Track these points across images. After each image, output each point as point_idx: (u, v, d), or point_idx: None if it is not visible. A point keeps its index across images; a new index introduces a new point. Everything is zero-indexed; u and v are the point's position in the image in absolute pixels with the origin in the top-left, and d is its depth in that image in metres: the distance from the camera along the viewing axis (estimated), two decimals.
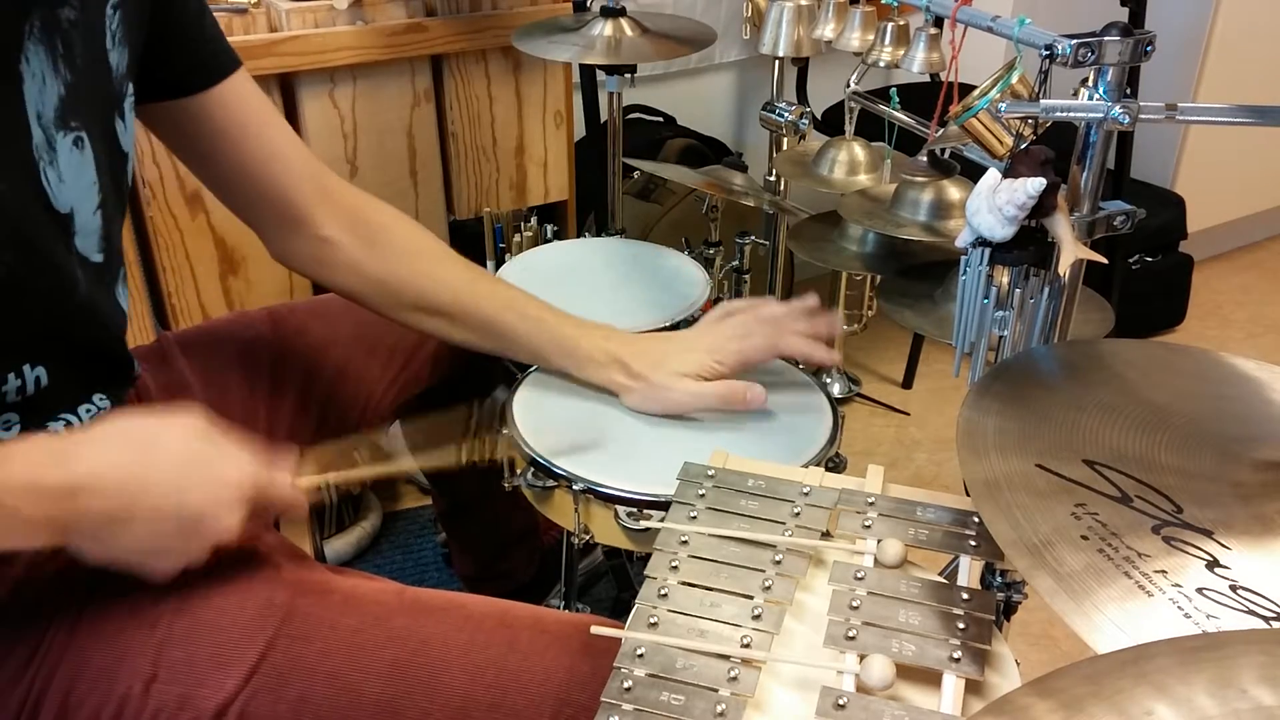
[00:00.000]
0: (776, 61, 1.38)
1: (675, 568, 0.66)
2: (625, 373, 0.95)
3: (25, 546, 0.66)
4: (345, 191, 0.98)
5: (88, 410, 0.81)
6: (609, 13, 1.37)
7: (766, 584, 0.65)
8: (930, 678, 0.58)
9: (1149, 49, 0.74)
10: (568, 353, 0.97)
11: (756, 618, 0.62)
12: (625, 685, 0.58)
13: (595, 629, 0.65)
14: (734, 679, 0.58)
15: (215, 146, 0.90)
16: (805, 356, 0.97)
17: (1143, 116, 0.72)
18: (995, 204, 0.73)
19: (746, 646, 0.60)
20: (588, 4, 1.68)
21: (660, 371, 0.94)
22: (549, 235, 1.42)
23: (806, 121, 1.39)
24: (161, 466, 0.68)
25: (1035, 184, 0.71)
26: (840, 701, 0.56)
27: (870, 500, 0.71)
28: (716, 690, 0.57)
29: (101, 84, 0.77)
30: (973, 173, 0.86)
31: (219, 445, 0.72)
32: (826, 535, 0.70)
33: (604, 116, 1.84)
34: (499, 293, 0.99)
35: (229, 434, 0.74)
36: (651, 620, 0.62)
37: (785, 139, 1.44)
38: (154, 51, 0.84)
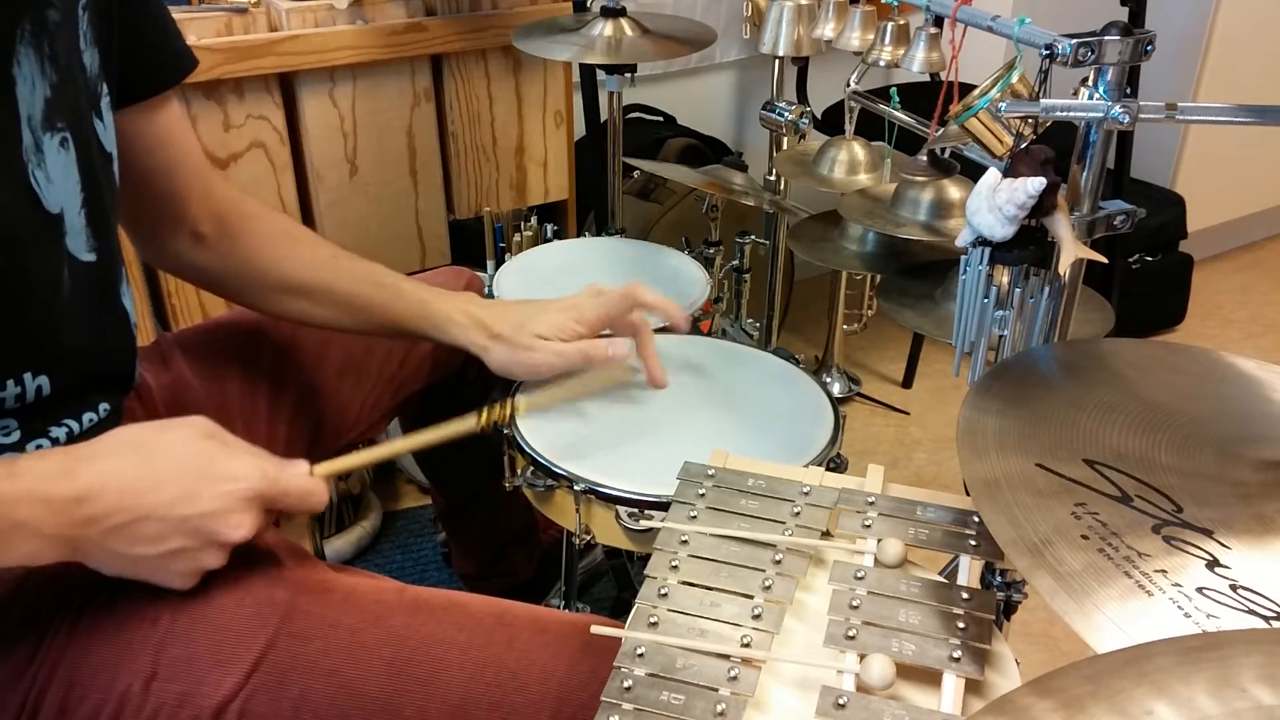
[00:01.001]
0: (776, 61, 1.38)
1: (675, 567, 0.66)
2: (486, 333, 0.95)
3: (36, 561, 0.66)
4: (220, 187, 0.97)
5: (90, 418, 0.81)
6: (609, 12, 1.37)
7: (766, 583, 0.65)
8: (930, 677, 0.59)
9: (1149, 49, 0.74)
10: (425, 316, 0.97)
11: (757, 617, 0.62)
12: (625, 685, 0.58)
13: (595, 628, 0.65)
14: (734, 678, 0.58)
15: (139, 154, 0.89)
16: (654, 304, 0.98)
17: (1143, 116, 0.72)
18: (995, 203, 0.73)
19: (747, 646, 0.60)
20: (588, 4, 1.68)
21: (522, 333, 0.94)
22: (549, 235, 1.42)
23: (806, 121, 1.39)
24: (167, 472, 0.69)
25: (1035, 183, 0.71)
26: (840, 701, 0.56)
27: (870, 500, 0.71)
28: (717, 690, 0.57)
29: (81, 84, 0.77)
30: (973, 172, 0.86)
31: (224, 446, 0.72)
32: (826, 535, 0.70)
33: (604, 116, 1.84)
34: (357, 268, 0.99)
35: (233, 435, 0.74)
36: (652, 620, 0.62)
37: (785, 138, 1.44)
38: (123, 54, 0.83)
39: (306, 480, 0.77)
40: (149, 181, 0.91)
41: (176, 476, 0.69)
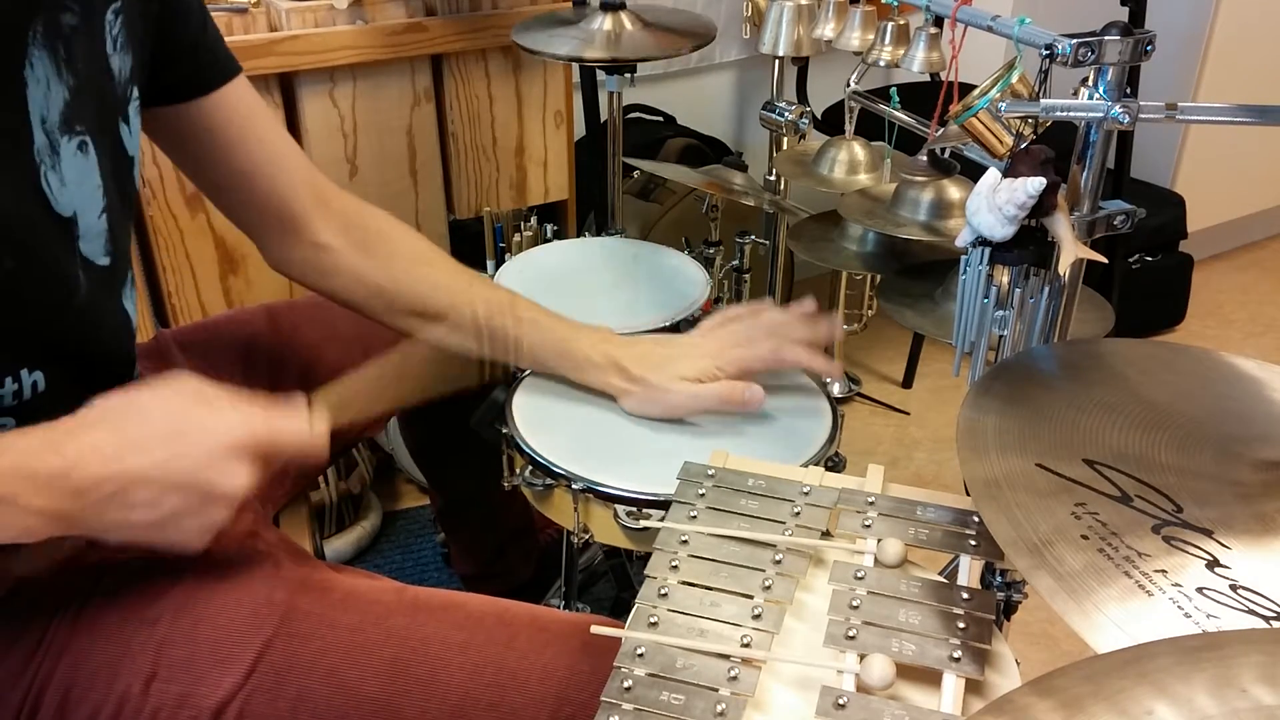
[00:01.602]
0: (776, 61, 1.38)
1: (675, 567, 0.66)
2: (624, 376, 0.94)
3: (31, 538, 0.65)
4: (341, 197, 0.98)
5: None
6: (609, 7, 1.37)
7: (766, 583, 0.65)
8: (930, 677, 0.58)
9: (1149, 48, 0.74)
10: (564, 355, 0.96)
11: (756, 617, 0.62)
12: (625, 684, 0.58)
13: (595, 628, 0.65)
14: (734, 678, 0.58)
15: (213, 152, 0.90)
16: (806, 366, 0.97)
17: (1143, 116, 0.72)
18: (995, 203, 0.73)
19: (746, 646, 0.60)
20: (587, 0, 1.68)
21: (660, 374, 0.94)
22: (549, 235, 1.42)
23: (806, 121, 1.39)
24: (150, 434, 0.67)
25: (1035, 183, 0.71)
26: (840, 701, 0.56)
27: (870, 500, 0.71)
28: (716, 690, 0.57)
29: (105, 89, 0.77)
30: (973, 172, 0.86)
31: (210, 403, 0.71)
32: (826, 535, 0.70)
33: (604, 116, 1.83)
34: (494, 297, 0.98)
35: (220, 389, 0.72)
36: (651, 619, 0.62)
37: (785, 138, 1.44)
38: (156, 56, 0.84)
39: (301, 425, 0.75)
40: (242, 182, 0.91)
41: (160, 437, 0.67)
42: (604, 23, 1.36)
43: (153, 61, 0.83)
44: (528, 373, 1.01)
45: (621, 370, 0.94)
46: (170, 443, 0.67)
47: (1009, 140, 0.82)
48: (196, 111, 0.88)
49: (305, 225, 0.95)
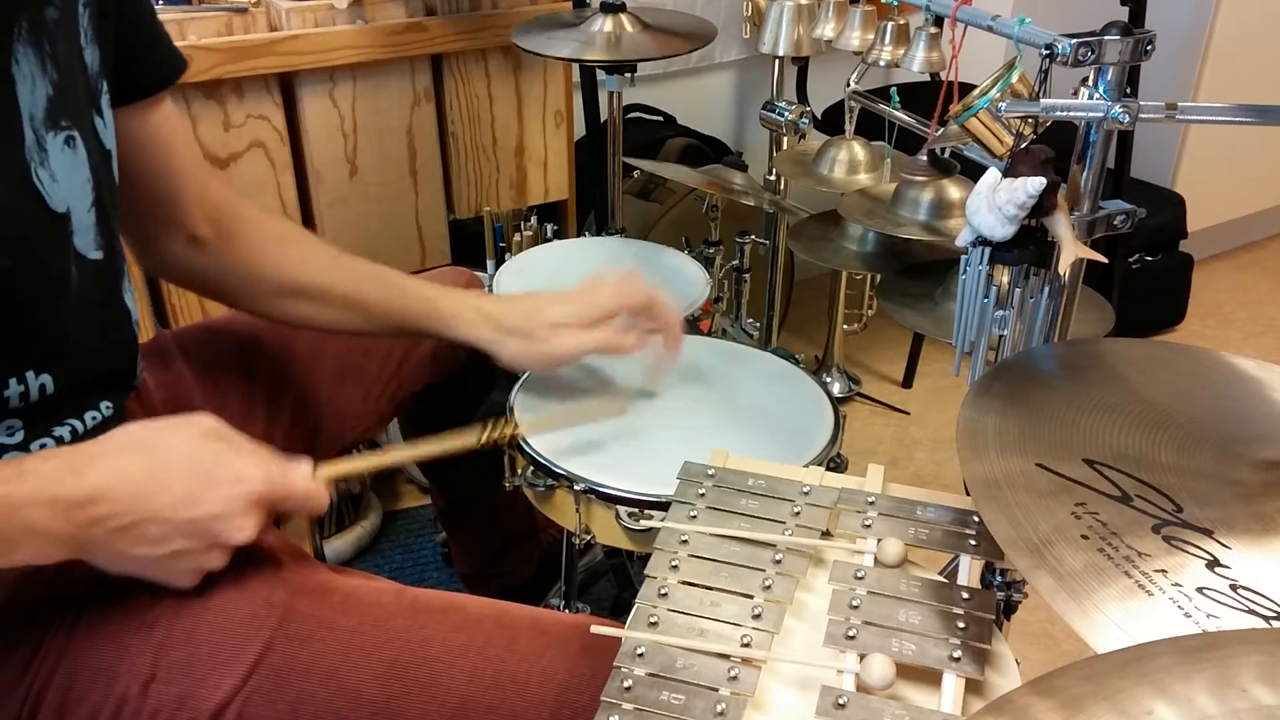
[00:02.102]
0: (776, 61, 1.38)
1: (675, 567, 0.66)
2: (496, 327, 0.93)
3: (41, 561, 0.66)
4: (217, 190, 0.96)
5: (93, 417, 0.80)
6: (609, 8, 1.37)
7: (766, 583, 0.65)
8: (930, 677, 0.58)
9: (1149, 48, 0.74)
10: (433, 314, 0.95)
11: (757, 617, 0.62)
12: (625, 684, 0.58)
13: (595, 629, 0.65)
14: (734, 678, 0.58)
15: (134, 155, 0.88)
16: (662, 327, 0.96)
17: (1143, 116, 0.72)
18: (995, 203, 0.73)
19: (747, 646, 0.60)
20: (587, 1, 1.68)
21: (533, 322, 0.93)
22: (549, 235, 1.42)
23: (806, 121, 1.39)
24: (172, 472, 0.68)
25: (1035, 183, 0.71)
26: (840, 701, 0.56)
27: (870, 499, 0.71)
28: (717, 690, 0.57)
29: (80, 82, 0.77)
30: (973, 172, 0.86)
31: (229, 446, 0.72)
32: (826, 534, 0.70)
33: (604, 116, 1.83)
34: (359, 268, 0.98)
35: (238, 435, 0.73)
36: (652, 619, 0.62)
37: (785, 138, 1.44)
38: (120, 53, 0.83)
39: (309, 482, 0.76)
40: (144, 183, 0.90)
41: (183, 478, 0.69)
42: (604, 25, 1.37)
43: (116, 58, 0.83)
44: (529, 373, 1.01)
45: (493, 322, 0.93)
46: (192, 485, 0.69)
47: (1009, 140, 0.82)
48: (140, 113, 0.88)
49: (183, 222, 0.94)
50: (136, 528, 0.67)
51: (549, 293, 0.98)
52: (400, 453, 0.93)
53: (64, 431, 0.78)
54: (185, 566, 0.71)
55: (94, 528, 0.66)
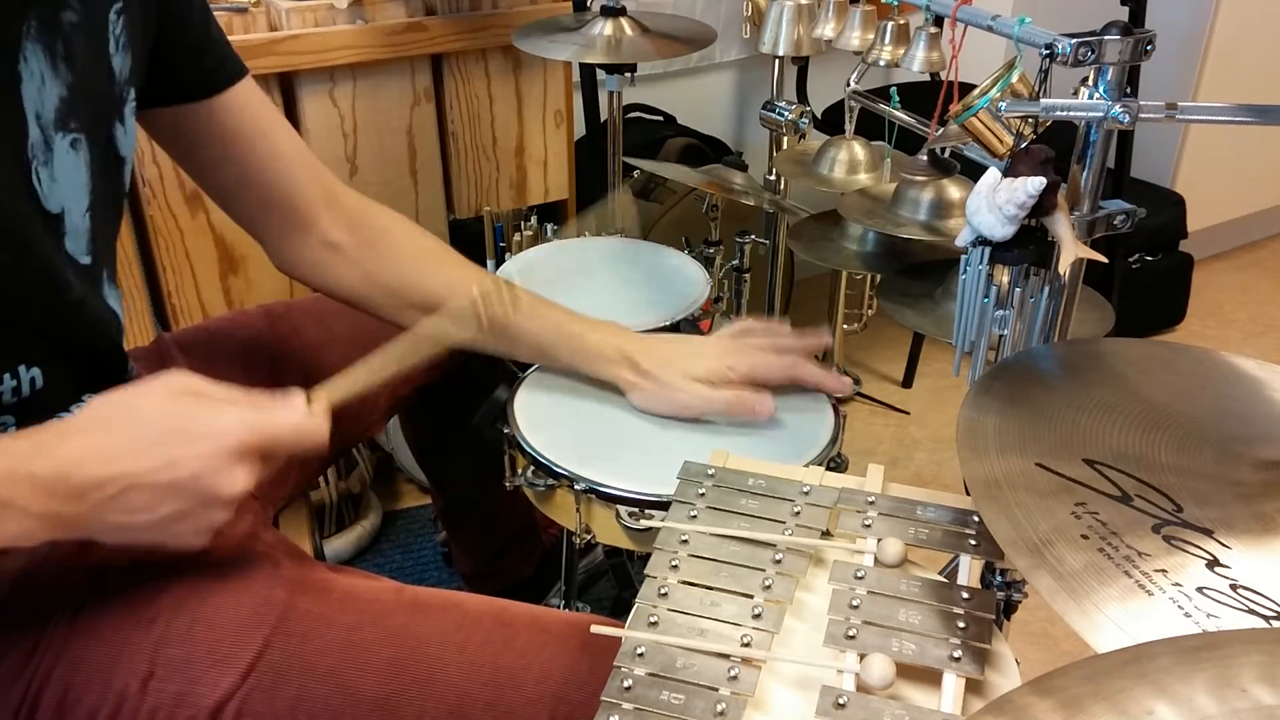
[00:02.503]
0: (776, 60, 1.38)
1: (675, 567, 0.66)
2: (634, 370, 0.94)
3: (29, 541, 0.65)
4: (348, 195, 0.98)
5: None
6: (609, 12, 1.37)
7: (766, 583, 0.65)
8: (930, 677, 0.58)
9: (1149, 48, 0.74)
10: (575, 349, 0.96)
11: (757, 617, 0.62)
12: (625, 684, 0.58)
13: (595, 628, 0.65)
14: (734, 678, 0.58)
15: (221, 153, 0.90)
16: (819, 384, 0.97)
17: (1143, 115, 0.72)
18: (995, 203, 0.73)
19: (747, 646, 0.60)
20: (588, 3, 1.68)
21: (670, 370, 0.93)
22: (549, 234, 1.42)
23: (806, 120, 1.39)
24: (145, 437, 0.66)
25: (1035, 183, 0.71)
26: (840, 701, 0.56)
27: (870, 499, 0.71)
28: (716, 689, 0.57)
29: (103, 87, 0.77)
30: (973, 172, 0.86)
31: (202, 401, 0.69)
32: (826, 534, 0.70)
33: (604, 116, 1.83)
34: (496, 288, 0.98)
35: (216, 386, 0.70)
36: (652, 619, 0.62)
37: (785, 138, 1.44)
38: (159, 57, 0.84)
39: (299, 417, 0.73)
40: (251, 174, 0.91)
41: (155, 441, 0.66)
42: (604, 28, 1.37)
43: (152, 63, 0.83)
44: (529, 372, 1.01)
45: (632, 364, 0.94)
46: (167, 446, 0.66)
47: (1009, 140, 0.82)
48: (205, 113, 0.88)
49: (314, 224, 0.95)
50: (121, 497, 0.65)
51: (693, 340, 0.99)
52: (396, 349, 0.85)
53: None
54: (187, 528, 0.68)
55: (77, 502, 0.64)
